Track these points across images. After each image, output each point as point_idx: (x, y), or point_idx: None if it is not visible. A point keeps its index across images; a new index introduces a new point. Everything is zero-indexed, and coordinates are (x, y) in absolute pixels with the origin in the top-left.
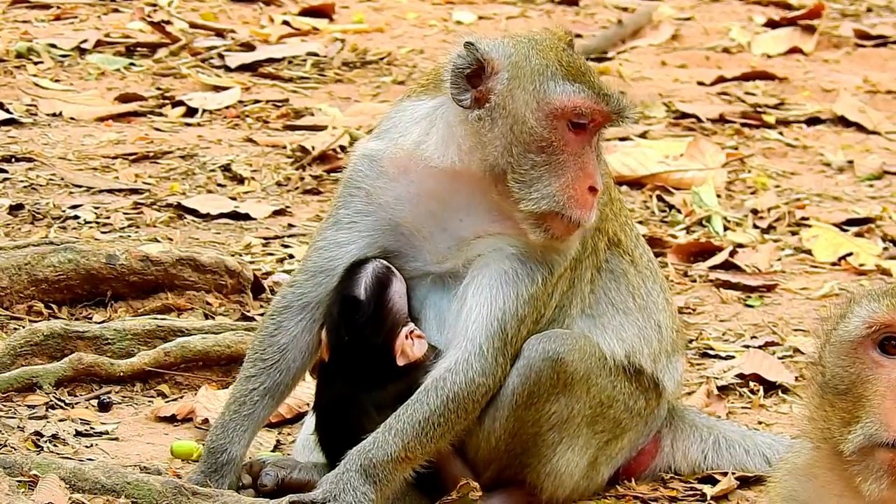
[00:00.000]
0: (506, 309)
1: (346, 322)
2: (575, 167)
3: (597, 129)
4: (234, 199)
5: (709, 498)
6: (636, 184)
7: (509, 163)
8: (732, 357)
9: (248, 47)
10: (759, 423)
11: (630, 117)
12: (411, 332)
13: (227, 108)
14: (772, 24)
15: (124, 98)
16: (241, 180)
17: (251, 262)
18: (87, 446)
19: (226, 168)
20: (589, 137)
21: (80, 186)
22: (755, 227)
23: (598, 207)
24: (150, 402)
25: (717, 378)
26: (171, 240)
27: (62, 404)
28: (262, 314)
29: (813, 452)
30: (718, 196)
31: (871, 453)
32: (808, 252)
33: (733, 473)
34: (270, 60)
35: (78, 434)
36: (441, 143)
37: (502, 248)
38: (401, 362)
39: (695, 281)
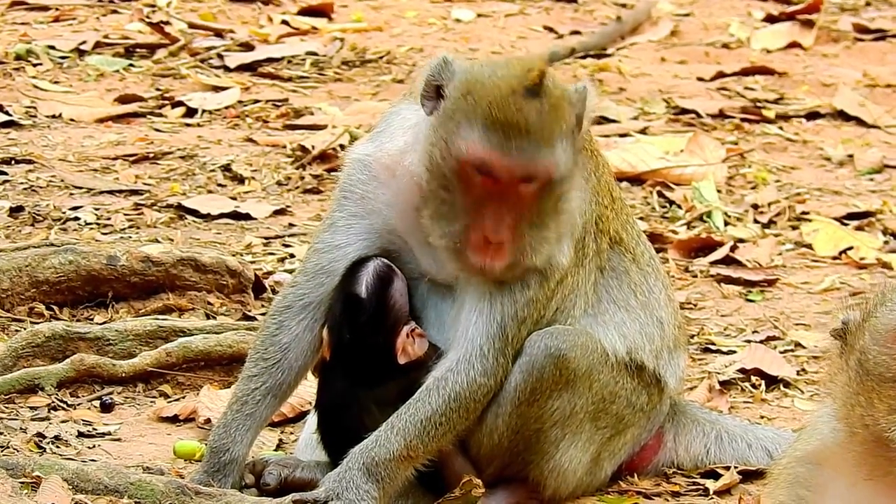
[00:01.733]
0: (504, 311)
1: (348, 320)
2: (475, 215)
3: (511, 179)
4: (234, 199)
5: (711, 492)
6: (636, 180)
7: (425, 189)
8: (734, 352)
9: (248, 47)
10: (761, 417)
11: (545, 176)
12: (412, 330)
13: (226, 108)
14: (771, 19)
15: (124, 99)
16: (241, 180)
17: (252, 262)
18: (89, 447)
19: (226, 168)
20: (504, 188)
21: (80, 188)
22: (756, 221)
23: (510, 253)
24: (152, 402)
25: (718, 373)
26: (171, 240)
27: (64, 405)
28: (263, 314)
29: (828, 437)
30: (719, 191)
31: None
32: (809, 246)
33: (736, 468)
34: (270, 60)
35: (80, 435)
36: (419, 153)
37: None
38: (402, 360)
39: (696, 276)
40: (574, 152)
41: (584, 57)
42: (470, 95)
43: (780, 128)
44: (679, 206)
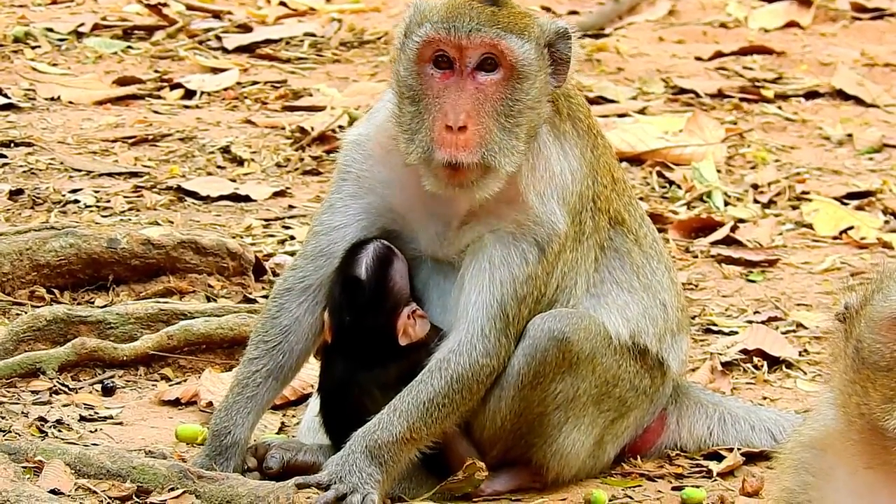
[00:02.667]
0: (504, 291)
1: (347, 302)
2: (435, 109)
3: (463, 62)
4: (233, 181)
5: (715, 474)
6: (636, 160)
7: (398, 113)
8: (736, 332)
9: (246, 28)
10: (764, 398)
11: (480, 35)
12: (413, 311)
13: (225, 89)
14: None
15: (122, 81)
16: (240, 162)
17: (252, 244)
18: (91, 431)
19: (225, 150)
20: (459, 77)
21: (79, 170)
22: (756, 201)
23: (477, 145)
24: (153, 385)
25: (720, 354)
26: (171, 223)
27: (66, 389)
28: (264, 296)
29: (830, 424)
30: (718, 171)
31: None
32: (809, 226)
33: (739, 449)
34: (268, 41)
35: (82, 419)
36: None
37: (489, 233)
38: (403, 342)
39: (696, 257)
40: (540, 64)
41: (581, 37)
42: (427, 10)
43: (779, 107)
44: (679, 187)
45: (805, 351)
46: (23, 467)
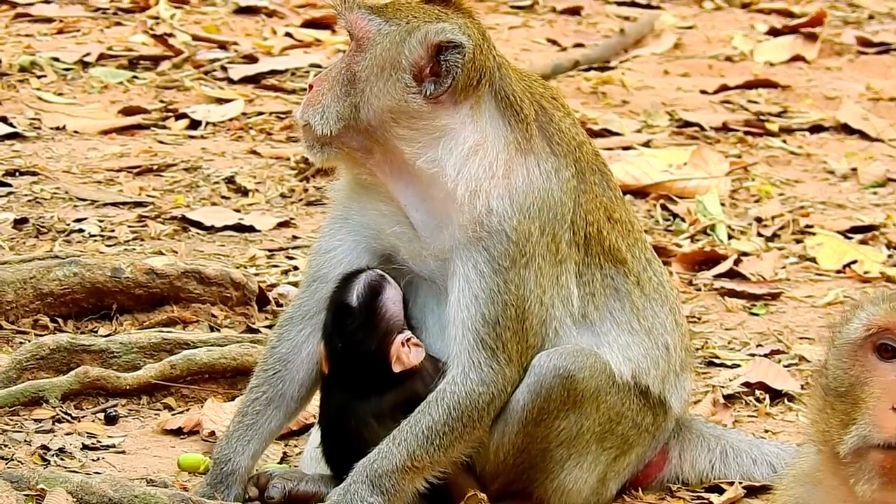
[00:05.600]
0: (474, 318)
1: (338, 329)
2: None
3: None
4: (238, 211)
5: None
6: (640, 193)
7: None
8: (738, 365)
9: (251, 59)
10: (766, 431)
11: None
12: (408, 339)
13: (230, 120)
14: (774, 33)
15: (128, 111)
16: (245, 192)
17: (256, 275)
18: (93, 459)
19: (230, 180)
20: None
21: (84, 200)
22: (759, 235)
23: (314, 106)
24: (156, 415)
25: (723, 387)
26: (175, 252)
27: (68, 418)
28: (267, 326)
29: (816, 457)
30: (722, 204)
31: (864, 455)
32: (813, 260)
33: (740, 483)
34: (273, 72)
35: (84, 447)
36: None
37: (454, 246)
38: (397, 369)
39: (699, 290)
40: (395, 50)
41: (587, 70)
42: None
43: (784, 141)
44: (683, 220)
45: (807, 384)
46: (25, 495)
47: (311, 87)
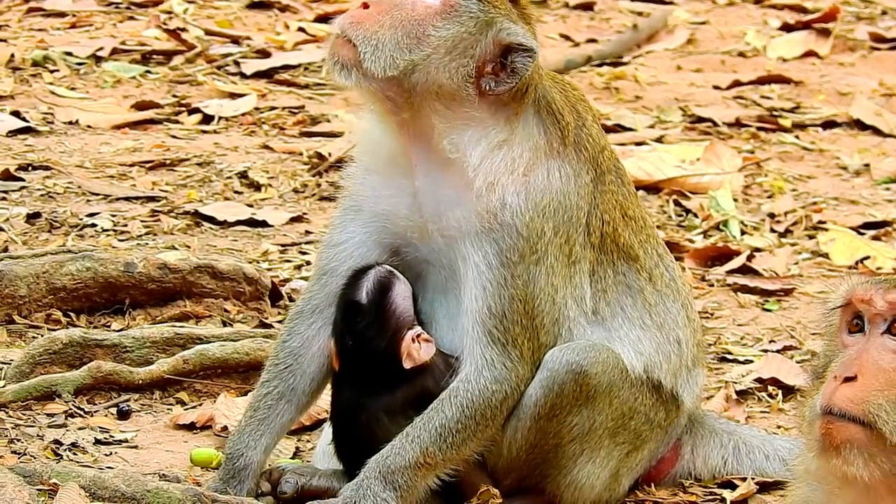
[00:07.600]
0: (482, 312)
1: (348, 326)
2: None
3: None
4: (251, 206)
5: (728, 503)
6: (653, 188)
7: None
8: (751, 361)
9: (264, 54)
10: (778, 427)
11: None
12: (418, 335)
13: (243, 114)
14: (787, 28)
15: (140, 106)
16: (257, 187)
17: (269, 269)
18: (106, 454)
19: (242, 175)
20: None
21: (97, 194)
22: (772, 230)
23: (367, 33)
24: (169, 409)
25: (735, 382)
26: (188, 247)
27: (81, 412)
28: (280, 321)
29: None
30: (735, 200)
31: (814, 425)
32: (826, 256)
33: (753, 478)
34: (286, 67)
35: (97, 442)
36: None
37: (466, 232)
38: (407, 365)
39: (712, 285)
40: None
41: (600, 65)
42: None
43: (797, 137)
44: (695, 215)
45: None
46: (38, 490)
47: (365, 4)
